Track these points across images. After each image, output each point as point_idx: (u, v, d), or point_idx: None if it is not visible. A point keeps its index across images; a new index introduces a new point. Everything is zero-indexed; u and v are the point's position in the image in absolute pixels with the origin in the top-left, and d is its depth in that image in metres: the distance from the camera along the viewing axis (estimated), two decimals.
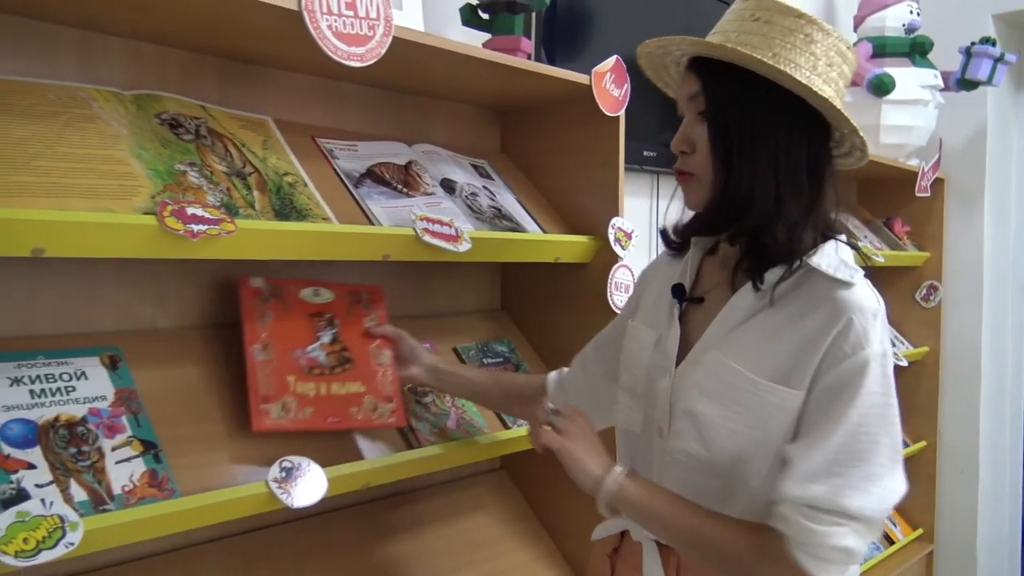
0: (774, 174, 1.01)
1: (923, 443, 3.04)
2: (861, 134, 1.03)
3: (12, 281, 1.13)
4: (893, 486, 0.94)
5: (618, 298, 1.57)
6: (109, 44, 1.21)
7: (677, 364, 1.09)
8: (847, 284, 0.99)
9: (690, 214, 1.14)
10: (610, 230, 1.56)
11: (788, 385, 0.98)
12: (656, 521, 1.02)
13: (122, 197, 1.02)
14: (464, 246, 1.30)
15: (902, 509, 3.11)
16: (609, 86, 1.54)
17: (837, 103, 1.01)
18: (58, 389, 1.06)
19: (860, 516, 0.91)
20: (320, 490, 1.13)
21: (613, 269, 1.57)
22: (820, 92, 0.99)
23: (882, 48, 2.75)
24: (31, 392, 1.04)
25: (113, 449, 1.04)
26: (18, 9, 1.10)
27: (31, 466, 0.97)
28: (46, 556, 0.88)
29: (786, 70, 0.99)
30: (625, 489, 1.02)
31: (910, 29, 2.77)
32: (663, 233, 1.21)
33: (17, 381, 1.04)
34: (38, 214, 0.90)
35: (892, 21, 2.76)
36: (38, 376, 1.06)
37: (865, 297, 0.99)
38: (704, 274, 1.15)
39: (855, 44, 2.80)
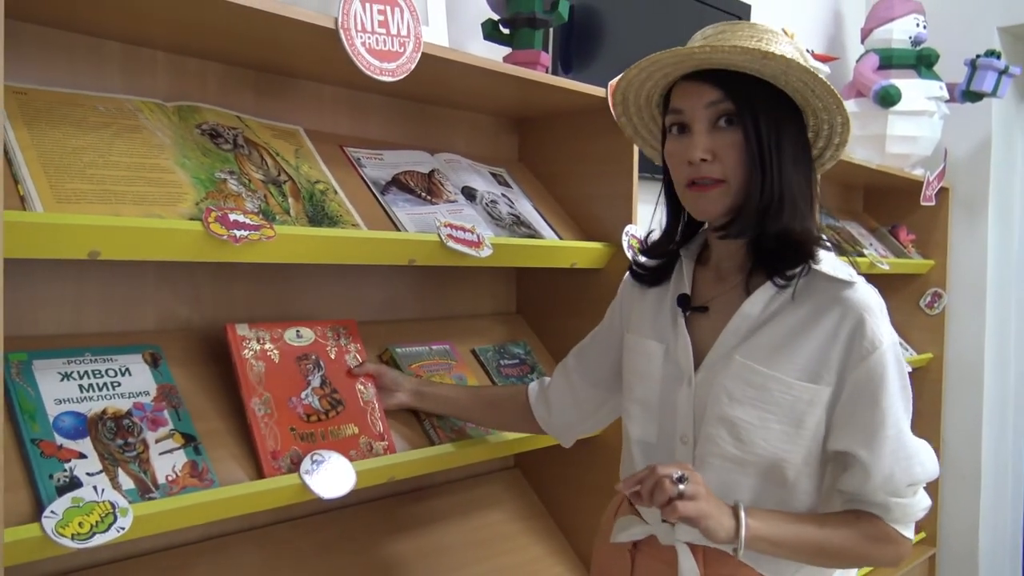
0: (796, 174, 1.09)
1: None
2: (845, 110, 1.10)
3: (61, 283, 1.19)
4: (924, 444, 1.12)
5: None
6: (154, 57, 1.27)
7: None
8: (850, 284, 1.08)
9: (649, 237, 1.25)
10: (624, 237, 1.62)
11: (816, 382, 1.06)
12: (782, 547, 1.06)
13: (169, 204, 1.08)
14: (486, 252, 1.37)
15: None
16: None
17: (810, 70, 1.06)
18: (104, 384, 1.13)
19: (926, 478, 1.10)
20: (349, 482, 1.19)
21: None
22: (820, 74, 1.05)
23: (888, 60, 2.81)
24: (80, 387, 1.10)
25: (156, 441, 1.10)
26: (69, 25, 1.16)
27: (82, 456, 1.03)
28: (99, 539, 0.94)
29: (798, 60, 1.04)
30: (753, 529, 1.04)
31: (916, 41, 2.82)
32: (636, 268, 1.26)
33: (67, 376, 1.10)
34: (96, 219, 0.96)
35: (899, 33, 2.81)
36: (86, 372, 1.12)
37: (870, 295, 1.08)
38: (699, 284, 1.19)
39: (862, 56, 2.86)
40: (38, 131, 1.04)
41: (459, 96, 1.61)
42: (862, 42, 2.92)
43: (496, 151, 1.81)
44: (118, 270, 1.25)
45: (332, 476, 1.18)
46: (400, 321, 1.64)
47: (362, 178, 1.41)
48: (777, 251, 1.09)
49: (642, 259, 1.27)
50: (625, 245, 1.62)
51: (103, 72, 1.22)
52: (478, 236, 1.37)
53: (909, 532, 1.10)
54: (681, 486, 0.99)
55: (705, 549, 1.12)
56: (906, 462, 1.07)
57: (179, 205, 1.09)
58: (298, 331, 1.32)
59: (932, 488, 3.40)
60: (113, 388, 1.13)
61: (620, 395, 1.31)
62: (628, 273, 1.32)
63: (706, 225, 1.20)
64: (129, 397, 1.13)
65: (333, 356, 1.34)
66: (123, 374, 1.15)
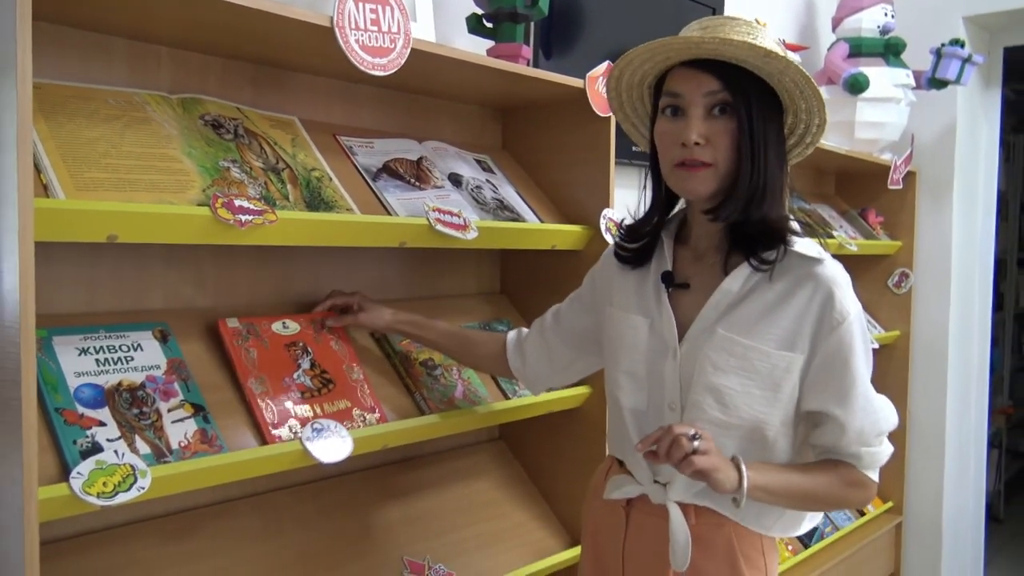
0: (776, 165, 1.19)
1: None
2: (824, 112, 1.21)
3: (76, 265, 1.28)
4: (884, 399, 1.26)
5: None
6: (158, 53, 1.35)
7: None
8: (819, 261, 1.20)
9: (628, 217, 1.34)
10: (601, 220, 1.72)
11: (792, 351, 1.18)
12: (775, 495, 1.18)
13: (178, 191, 1.16)
14: (472, 234, 1.46)
15: None
16: (601, 89, 1.69)
17: (804, 72, 1.16)
18: (119, 359, 1.21)
19: (889, 428, 1.25)
20: (346, 448, 1.29)
21: None
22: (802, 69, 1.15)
23: (858, 48, 2.91)
24: (96, 361, 1.19)
25: (169, 411, 1.19)
26: (80, 23, 1.24)
27: (101, 423, 1.12)
28: (122, 498, 1.03)
29: (782, 54, 1.13)
30: (753, 480, 1.14)
31: (884, 30, 2.92)
32: (620, 252, 1.34)
33: (84, 351, 1.19)
34: (113, 206, 1.05)
35: (868, 23, 2.91)
36: (101, 347, 1.21)
37: (837, 270, 1.20)
38: (679, 262, 1.29)
39: (833, 45, 2.97)
40: (55, 123, 1.13)
41: (445, 87, 1.70)
42: (833, 31, 3.02)
43: (481, 139, 1.90)
44: (127, 253, 1.33)
45: (331, 443, 1.28)
46: (392, 301, 1.72)
47: (354, 165, 1.50)
48: (755, 236, 1.20)
49: (626, 243, 1.34)
50: (603, 228, 1.72)
51: (111, 67, 1.30)
52: (464, 220, 1.47)
53: (876, 476, 1.25)
54: (696, 443, 1.09)
55: (695, 507, 1.24)
56: (873, 416, 1.21)
57: (188, 192, 1.17)
58: (284, 323, 1.41)
59: (899, 458, 3.51)
60: (127, 362, 1.22)
61: (591, 356, 1.44)
62: (611, 248, 1.40)
63: (682, 203, 1.30)
64: (142, 370, 1.22)
65: (319, 343, 1.43)
66: (135, 349, 1.24)
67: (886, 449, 1.25)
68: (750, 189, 1.17)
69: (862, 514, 3.10)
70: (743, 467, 1.14)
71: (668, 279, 1.26)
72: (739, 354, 1.18)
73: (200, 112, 1.33)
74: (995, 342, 4.74)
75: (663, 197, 1.30)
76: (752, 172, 1.17)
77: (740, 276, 1.21)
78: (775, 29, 2.95)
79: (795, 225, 1.23)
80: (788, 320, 1.18)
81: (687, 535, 1.22)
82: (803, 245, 1.21)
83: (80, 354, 1.18)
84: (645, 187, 1.34)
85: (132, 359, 1.23)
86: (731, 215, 1.19)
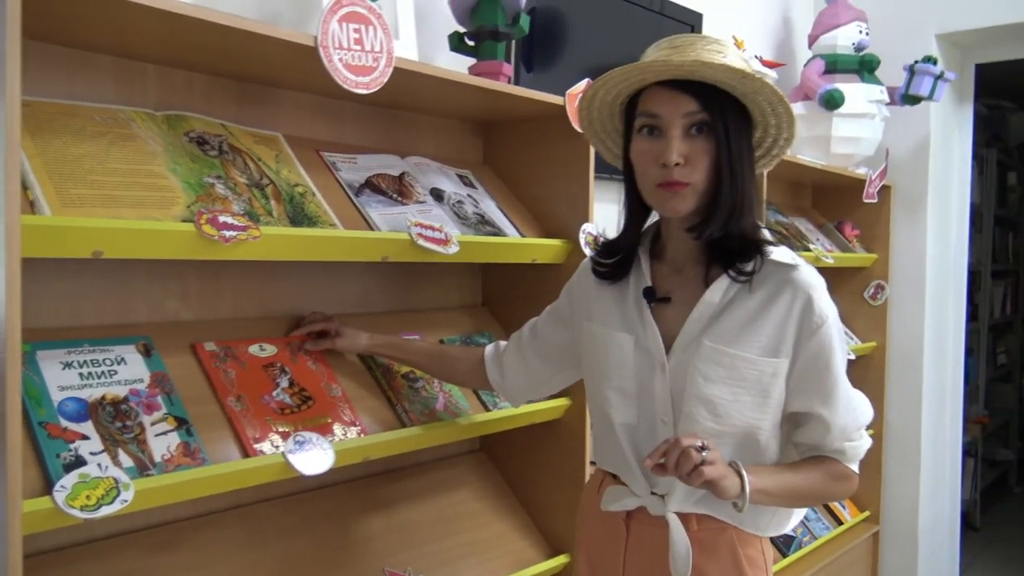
0: (751, 177, 1.23)
1: (870, 432, 3.27)
2: (794, 127, 1.24)
3: (60, 280, 1.29)
4: (860, 393, 1.32)
5: None
6: (144, 70, 1.37)
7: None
8: (795, 267, 1.24)
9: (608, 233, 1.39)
10: (581, 234, 1.75)
11: (777, 356, 1.21)
12: (773, 496, 1.22)
13: (163, 207, 1.18)
14: (453, 249, 1.48)
15: None
16: None
17: (780, 92, 1.20)
18: (102, 373, 1.23)
19: (867, 421, 1.31)
20: (328, 460, 1.31)
21: None
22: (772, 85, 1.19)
23: (833, 65, 2.97)
24: (80, 375, 1.20)
25: (152, 424, 1.21)
26: (66, 41, 1.26)
27: (85, 437, 1.13)
28: (106, 511, 1.05)
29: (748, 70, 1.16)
30: (753, 484, 1.17)
31: (859, 48, 2.98)
32: (598, 268, 1.34)
33: (68, 365, 1.20)
34: (99, 222, 1.06)
35: (843, 40, 2.97)
36: (85, 361, 1.22)
37: (813, 276, 1.24)
38: (658, 277, 1.30)
39: (809, 61, 3.02)
40: (42, 140, 1.14)
41: (427, 103, 1.72)
42: (809, 47, 3.08)
43: (463, 154, 1.92)
44: (111, 268, 1.34)
45: (312, 455, 1.29)
46: (374, 314, 1.75)
47: (338, 181, 1.52)
48: (734, 248, 1.23)
49: (603, 259, 1.35)
50: (582, 242, 1.75)
51: (98, 84, 1.31)
52: (446, 234, 1.49)
53: (857, 468, 1.31)
54: (704, 454, 1.11)
55: (697, 516, 1.26)
56: (854, 412, 1.28)
57: (172, 208, 1.19)
58: (261, 346, 1.43)
59: (876, 468, 3.55)
60: (110, 376, 1.23)
61: (569, 370, 1.47)
62: (587, 261, 1.41)
63: (655, 216, 1.32)
64: (125, 384, 1.23)
65: (296, 363, 1.45)
66: (119, 363, 1.26)
67: (866, 442, 1.31)
68: (729, 206, 1.20)
69: (840, 523, 3.14)
70: (744, 473, 1.17)
71: (650, 294, 1.28)
72: (727, 364, 1.21)
73: (185, 129, 1.35)
74: (970, 352, 4.82)
75: (639, 213, 1.32)
76: (732, 189, 1.20)
77: (720, 287, 1.24)
78: (753, 46, 3.00)
79: (767, 234, 1.27)
80: (771, 327, 1.22)
81: (687, 545, 1.24)
82: (779, 253, 1.25)
83: (64, 368, 1.19)
84: (621, 207, 1.35)
85: (115, 373, 1.24)
86: (713, 232, 1.21)
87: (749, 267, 1.22)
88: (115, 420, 1.18)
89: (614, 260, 1.34)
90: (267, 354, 1.44)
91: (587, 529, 1.42)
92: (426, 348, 1.58)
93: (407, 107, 1.76)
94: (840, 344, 1.25)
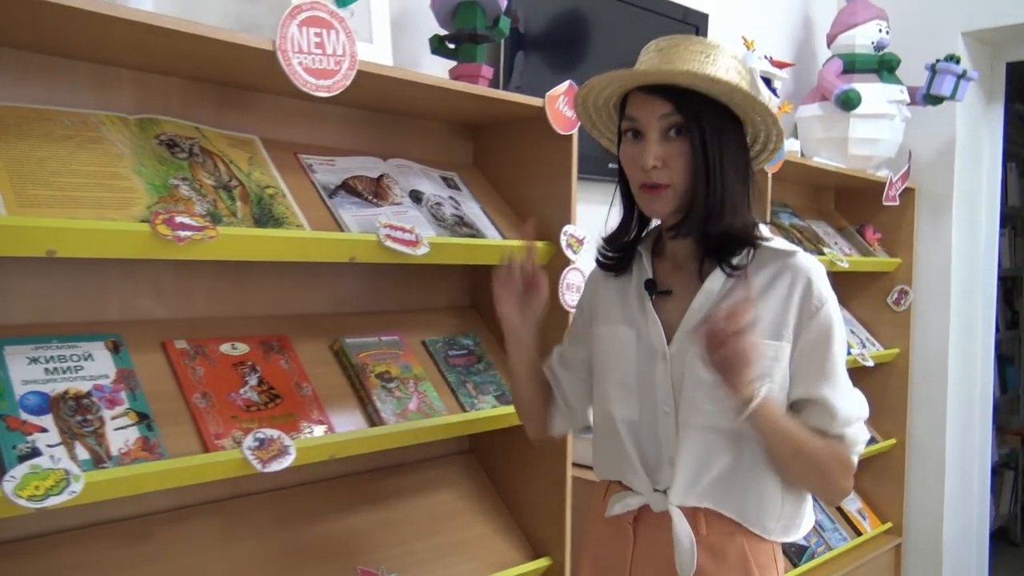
0: (736, 179, 1.23)
1: (893, 440, 3.19)
2: (779, 125, 1.24)
3: (31, 277, 1.34)
4: (856, 389, 1.29)
5: (569, 297, 1.76)
6: (120, 75, 1.41)
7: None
8: (793, 253, 1.26)
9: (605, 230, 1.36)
10: (562, 236, 1.74)
11: (778, 339, 1.22)
12: (775, 431, 1.18)
13: (123, 207, 1.22)
14: (422, 250, 1.49)
15: (872, 502, 3.25)
16: (562, 107, 1.72)
17: (756, 96, 1.20)
18: (68, 368, 1.27)
19: (865, 415, 1.28)
20: (289, 457, 1.33)
21: (565, 271, 1.75)
22: (745, 88, 1.19)
23: (851, 65, 2.90)
24: (45, 370, 1.25)
25: (113, 418, 1.24)
26: (44, 48, 1.30)
27: (43, 430, 1.17)
28: (53, 501, 1.08)
29: (711, 73, 1.17)
30: (766, 401, 1.16)
31: (879, 47, 2.92)
32: (601, 260, 1.37)
33: (34, 360, 1.25)
34: (51, 222, 1.10)
35: (861, 39, 2.91)
36: (52, 357, 1.26)
37: (812, 261, 1.26)
38: (659, 273, 1.32)
39: (827, 61, 2.97)
40: (5, 143, 1.19)
41: (410, 106, 1.74)
42: (828, 47, 3.02)
43: (451, 156, 1.94)
44: (84, 266, 1.39)
45: (272, 451, 1.32)
46: (359, 314, 1.77)
47: (312, 183, 1.55)
48: (723, 245, 1.24)
49: (605, 251, 1.38)
50: (564, 244, 1.75)
51: (75, 89, 1.36)
52: (416, 236, 1.50)
53: (856, 462, 1.28)
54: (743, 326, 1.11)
55: (705, 515, 1.25)
56: (853, 400, 1.26)
57: (132, 209, 1.23)
58: (233, 345, 1.46)
59: (898, 478, 3.46)
60: (76, 371, 1.27)
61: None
62: (592, 270, 1.44)
63: (657, 222, 1.34)
64: (90, 379, 1.27)
65: (268, 363, 1.48)
66: (86, 359, 1.30)
67: (865, 434, 1.29)
68: (707, 206, 1.21)
69: (859, 533, 3.07)
70: (763, 387, 1.16)
71: (651, 287, 1.30)
72: None
73: (156, 132, 1.38)
74: (1010, 361, 4.66)
75: (637, 211, 1.34)
76: (708, 190, 1.20)
77: (719, 278, 1.25)
78: (769, 46, 2.96)
79: (764, 229, 1.28)
80: (771, 310, 1.23)
81: (691, 539, 1.23)
82: (775, 242, 1.27)
83: (30, 363, 1.24)
84: (612, 203, 1.36)
85: (81, 368, 1.28)
86: (690, 232, 1.24)
87: (737, 260, 1.24)
88: (76, 414, 1.22)
89: (618, 251, 1.36)
90: (238, 352, 1.47)
91: (592, 537, 1.41)
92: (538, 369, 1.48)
93: (391, 110, 1.78)
94: (840, 329, 1.25)
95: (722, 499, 1.25)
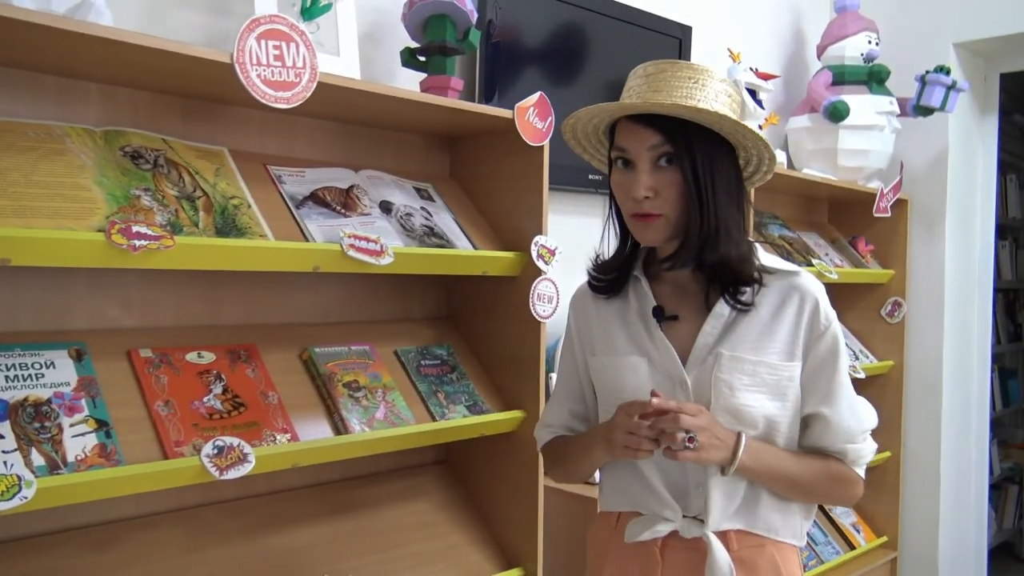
0: (729, 205, 1.22)
1: (888, 453, 3.16)
2: (770, 149, 1.24)
3: None
4: (862, 398, 1.32)
5: (540, 308, 1.76)
6: (87, 88, 1.43)
7: None
8: (797, 273, 1.28)
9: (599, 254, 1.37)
10: (533, 247, 1.75)
11: (792, 360, 1.25)
12: (769, 474, 1.24)
13: (81, 217, 1.24)
14: (386, 260, 1.51)
15: (867, 516, 3.22)
16: (532, 119, 1.73)
17: (746, 125, 1.20)
18: (29, 375, 1.28)
19: (871, 426, 1.31)
20: (248, 465, 1.34)
21: (536, 282, 1.76)
22: (731, 116, 1.20)
23: (841, 76, 2.91)
24: (6, 377, 1.26)
25: (71, 425, 1.26)
26: (8, 62, 1.33)
27: (0, 436, 1.19)
28: (3, 506, 1.10)
29: (706, 107, 1.17)
30: (750, 449, 1.20)
31: (868, 58, 2.92)
32: (594, 283, 1.36)
33: None
34: (5, 231, 1.12)
35: (851, 51, 2.91)
36: (13, 364, 1.28)
37: (814, 281, 1.29)
38: (660, 298, 1.30)
39: (817, 73, 2.97)
40: None
41: (383, 118, 1.76)
42: (818, 59, 3.02)
43: (428, 167, 1.95)
44: (49, 276, 1.41)
45: (232, 459, 1.33)
46: (332, 324, 1.78)
47: (280, 194, 1.56)
48: (723, 274, 1.24)
49: (599, 275, 1.36)
50: (535, 255, 1.75)
51: (40, 102, 1.39)
52: (381, 246, 1.51)
53: (862, 473, 1.30)
54: (689, 444, 1.15)
55: (736, 534, 1.25)
56: (857, 415, 1.28)
57: (90, 218, 1.25)
58: (199, 353, 1.48)
59: (893, 491, 3.45)
60: (36, 379, 1.29)
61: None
62: (574, 296, 1.42)
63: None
64: (51, 387, 1.29)
65: (234, 372, 1.49)
66: (48, 367, 1.31)
67: (870, 445, 1.30)
68: (702, 235, 1.21)
69: (852, 547, 3.04)
70: (742, 447, 1.20)
71: (659, 313, 1.28)
72: (749, 371, 1.23)
73: (121, 144, 1.41)
74: (1013, 374, 4.61)
75: (631, 239, 1.33)
76: (702, 219, 1.20)
77: (725, 304, 1.25)
78: (760, 57, 2.96)
79: (760, 252, 1.28)
80: (785, 331, 1.25)
81: (730, 566, 1.22)
82: (774, 261, 1.28)
83: None
84: (608, 223, 1.35)
85: (43, 376, 1.30)
86: (687, 262, 1.24)
87: (746, 297, 1.24)
88: (34, 421, 1.23)
89: (611, 276, 1.34)
90: (205, 361, 1.48)
91: (612, 565, 1.34)
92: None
93: (365, 122, 1.80)
94: (843, 346, 1.28)
95: (751, 517, 1.26)
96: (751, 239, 1.30)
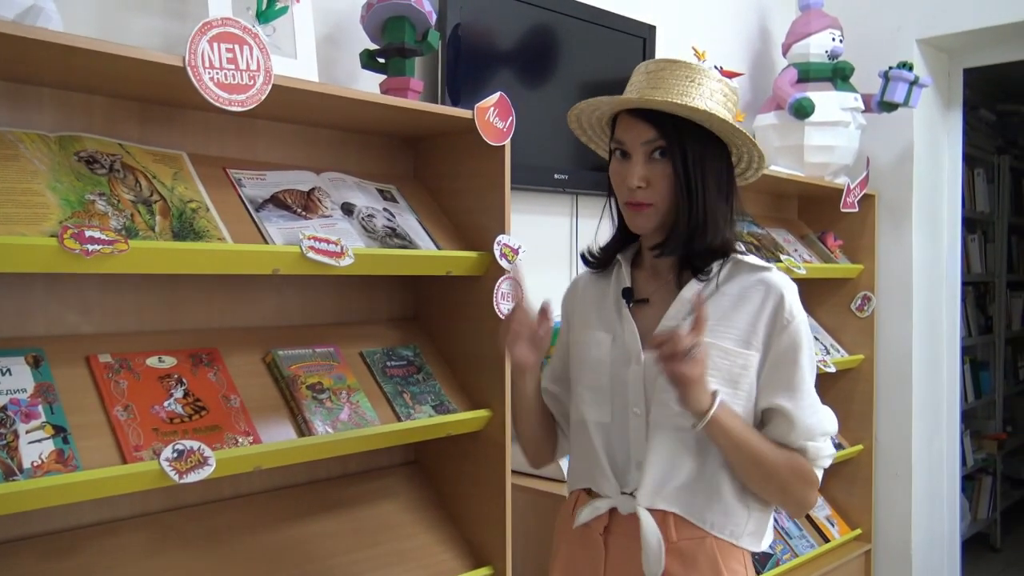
0: (718, 199, 1.29)
1: (860, 447, 3.19)
2: (759, 148, 1.30)
3: None
4: (825, 406, 1.33)
5: (504, 307, 1.77)
6: (40, 94, 1.43)
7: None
8: (767, 268, 1.32)
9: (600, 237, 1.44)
10: (496, 246, 1.76)
11: (748, 348, 1.28)
12: (731, 441, 1.24)
13: (34, 223, 1.23)
14: (346, 261, 1.51)
15: (840, 509, 3.25)
16: (493, 119, 1.74)
17: (735, 125, 1.26)
18: None
19: (832, 431, 1.32)
20: (207, 468, 1.34)
21: (499, 281, 1.77)
22: (725, 118, 1.25)
23: (806, 73, 2.93)
24: None
25: (27, 432, 1.25)
26: None
27: None
28: None
29: (702, 107, 1.24)
30: (718, 415, 1.21)
31: (833, 55, 2.94)
32: (586, 255, 1.45)
33: None
34: None
35: (816, 48, 2.94)
36: None
37: (784, 278, 1.32)
38: (637, 282, 1.39)
39: (783, 70, 3.00)
40: None
41: (344, 120, 1.76)
42: (784, 56, 3.05)
43: (391, 169, 1.96)
44: (5, 282, 1.40)
45: (192, 463, 1.33)
46: (297, 327, 1.78)
47: (239, 197, 1.56)
48: (703, 260, 1.31)
49: (591, 254, 1.45)
50: (497, 254, 1.76)
51: None
52: (341, 247, 1.52)
53: (820, 475, 1.31)
54: (692, 351, 1.16)
55: (675, 520, 1.28)
56: (818, 415, 1.30)
57: (43, 224, 1.24)
58: (160, 358, 1.47)
59: (866, 484, 3.48)
60: None
61: None
62: (570, 285, 1.52)
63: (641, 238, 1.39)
64: (7, 394, 1.28)
65: (196, 376, 1.49)
66: (4, 374, 1.31)
67: (829, 448, 1.31)
68: (690, 226, 1.28)
69: (826, 540, 3.06)
70: (718, 399, 1.21)
71: (628, 295, 1.36)
72: None
73: (76, 149, 1.40)
74: (985, 366, 4.67)
75: (624, 225, 1.39)
76: (691, 210, 1.27)
77: (695, 287, 1.31)
78: (726, 56, 2.99)
79: (741, 248, 1.34)
80: (743, 321, 1.28)
81: (659, 540, 1.27)
82: (750, 258, 1.34)
83: None
84: (604, 209, 1.44)
85: None
86: (675, 251, 1.31)
87: (712, 268, 1.30)
88: None
89: (602, 256, 1.43)
90: (165, 366, 1.48)
91: (562, 552, 1.42)
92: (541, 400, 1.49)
93: (327, 124, 1.80)
94: (808, 348, 1.29)
95: (688, 504, 1.28)
96: (739, 238, 1.35)
